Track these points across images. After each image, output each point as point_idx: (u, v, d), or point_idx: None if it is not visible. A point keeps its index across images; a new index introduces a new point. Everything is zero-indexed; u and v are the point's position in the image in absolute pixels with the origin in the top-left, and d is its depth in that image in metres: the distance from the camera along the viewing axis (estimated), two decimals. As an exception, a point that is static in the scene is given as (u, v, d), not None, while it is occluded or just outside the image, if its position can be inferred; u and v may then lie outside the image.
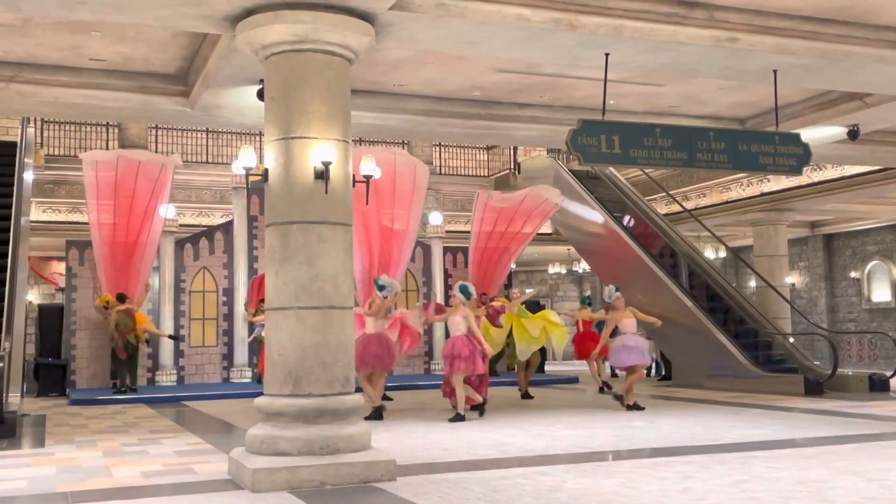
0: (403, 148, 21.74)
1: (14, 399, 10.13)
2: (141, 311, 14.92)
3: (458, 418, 10.14)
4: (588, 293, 30.22)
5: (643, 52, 8.25)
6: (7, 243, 12.49)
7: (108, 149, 19.07)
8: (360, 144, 20.36)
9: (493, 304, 14.16)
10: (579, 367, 19.22)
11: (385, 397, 12.99)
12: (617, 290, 11.68)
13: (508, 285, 18.18)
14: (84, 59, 9.53)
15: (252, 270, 16.34)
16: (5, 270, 11.95)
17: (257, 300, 15.40)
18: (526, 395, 13.41)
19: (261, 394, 6.75)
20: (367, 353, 10.43)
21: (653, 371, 18.70)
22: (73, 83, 9.79)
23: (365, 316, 10.79)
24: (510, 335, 13.00)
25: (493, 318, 13.25)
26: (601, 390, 14.26)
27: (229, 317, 16.35)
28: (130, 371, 14.35)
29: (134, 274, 15.26)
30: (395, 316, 11.60)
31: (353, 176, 7.05)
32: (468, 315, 10.30)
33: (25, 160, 14.45)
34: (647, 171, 19.09)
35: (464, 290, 10.47)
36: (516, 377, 13.96)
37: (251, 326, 15.93)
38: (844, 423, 9.54)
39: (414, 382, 15.58)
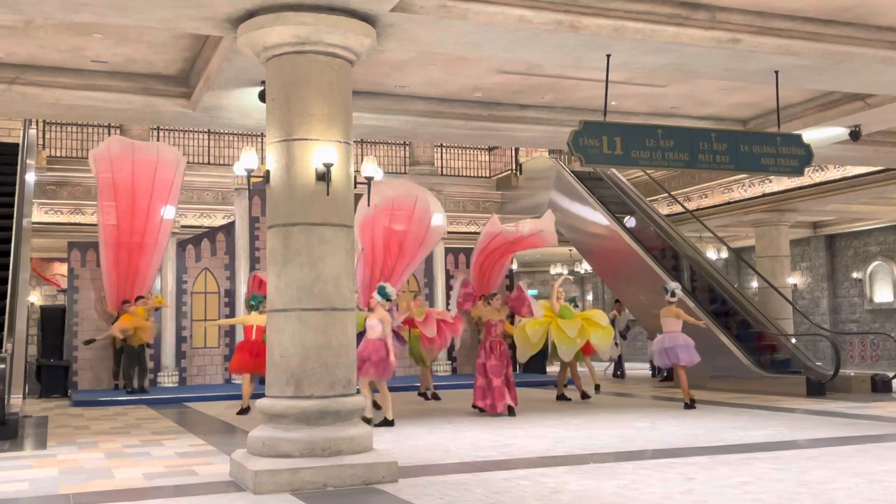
0: (405, 149, 21.77)
1: (16, 400, 10.13)
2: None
3: (386, 423, 9.89)
4: (589, 294, 30.25)
5: (645, 53, 8.25)
6: (9, 245, 12.50)
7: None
8: (362, 145, 20.37)
9: (511, 295, 13.65)
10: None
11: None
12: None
13: (510, 285, 18.17)
14: (86, 61, 9.53)
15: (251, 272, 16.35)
16: (7, 272, 11.95)
17: None
18: (585, 396, 12.98)
19: (263, 395, 6.76)
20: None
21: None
22: (75, 85, 9.80)
23: None
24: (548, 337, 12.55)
25: (517, 306, 12.87)
26: (597, 388, 14.18)
27: (231, 318, 16.33)
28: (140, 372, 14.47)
29: (140, 278, 15.31)
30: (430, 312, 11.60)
31: (355, 177, 7.06)
32: (385, 318, 9.91)
33: (27, 161, 14.45)
34: (648, 171, 19.08)
35: (381, 291, 10.08)
36: (558, 378, 13.65)
37: None
38: (847, 425, 9.53)
39: (416, 384, 15.54)
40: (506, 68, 10.18)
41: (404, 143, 21.33)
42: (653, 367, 18.54)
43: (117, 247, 15.06)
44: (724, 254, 24.56)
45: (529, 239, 16.12)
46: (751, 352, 14.90)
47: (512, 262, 19.58)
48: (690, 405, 11.46)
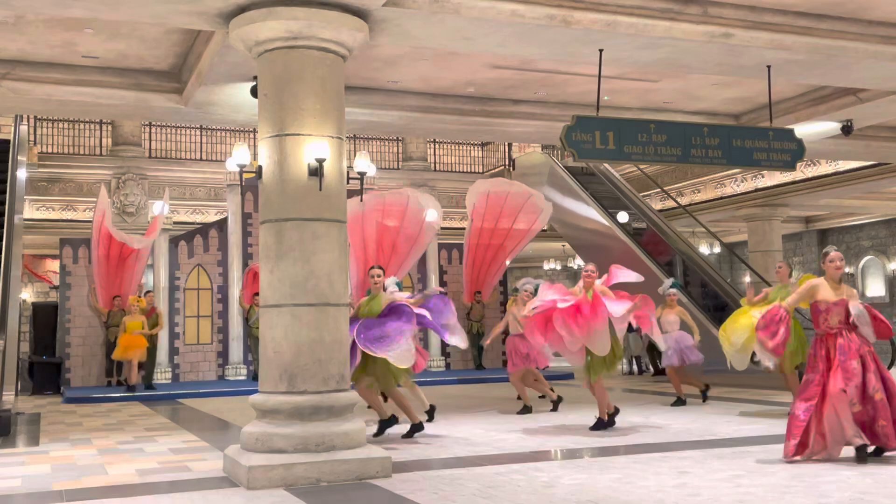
0: (398, 144, 21.75)
1: (8, 397, 10.12)
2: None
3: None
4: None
5: (637, 47, 8.26)
6: (0, 241, 12.45)
7: (101, 146, 19.06)
8: (355, 141, 20.35)
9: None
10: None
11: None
12: (674, 285, 11.58)
13: (504, 283, 18.19)
14: (77, 57, 9.49)
15: (246, 267, 16.33)
16: (-1, 269, 11.92)
17: (251, 292, 15.42)
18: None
19: (256, 391, 6.75)
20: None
21: (634, 367, 18.58)
22: (66, 80, 9.76)
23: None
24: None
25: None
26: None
27: (224, 314, 16.32)
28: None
29: (128, 275, 15.32)
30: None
31: (347, 173, 7.05)
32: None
33: (19, 158, 14.41)
34: (641, 166, 19.11)
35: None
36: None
37: (246, 323, 15.91)
38: (839, 418, 9.54)
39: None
40: (498, 63, 10.17)
41: (397, 138, 21.31)
42: (638, 363, 18.46)
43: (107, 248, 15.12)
44: (717, 248, 24.64)
45: (511, 201, 16.18)
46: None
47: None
48: (682, 401, 11.34)
